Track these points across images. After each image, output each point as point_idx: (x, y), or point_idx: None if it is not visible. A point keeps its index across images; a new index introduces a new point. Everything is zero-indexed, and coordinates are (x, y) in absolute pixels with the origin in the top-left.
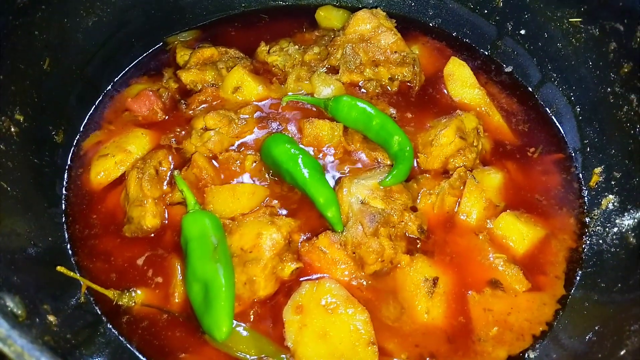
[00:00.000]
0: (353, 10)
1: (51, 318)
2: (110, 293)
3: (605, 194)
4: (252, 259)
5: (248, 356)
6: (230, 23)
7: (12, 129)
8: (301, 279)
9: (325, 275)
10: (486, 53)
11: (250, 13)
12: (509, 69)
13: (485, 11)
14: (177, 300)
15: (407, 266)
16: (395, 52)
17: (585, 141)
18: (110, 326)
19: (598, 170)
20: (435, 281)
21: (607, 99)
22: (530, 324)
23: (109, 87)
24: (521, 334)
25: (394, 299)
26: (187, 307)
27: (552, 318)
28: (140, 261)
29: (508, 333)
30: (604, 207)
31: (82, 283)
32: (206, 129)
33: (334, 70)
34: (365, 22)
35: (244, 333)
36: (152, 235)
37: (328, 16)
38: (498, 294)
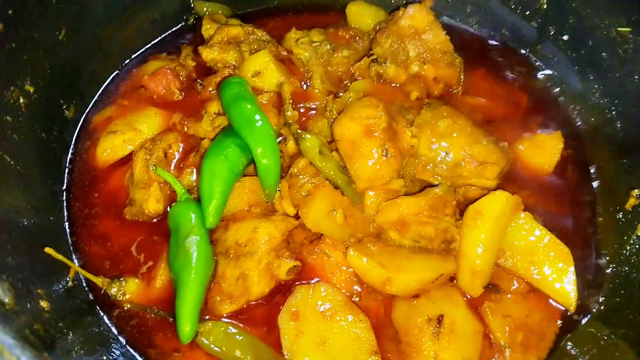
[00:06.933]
0: (385, 8)
1: (44, 304)
2: (99, 281)
3: None
4: (246, 252)
5: None
6: (265, 13)
7: (21, 100)
8: (297, 283)
9: (322, 279)
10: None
11: (288, 6)
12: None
13: (527, 12)
14: (158, 286)
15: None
16: (446, 52)
17: (624, 160)
18: (104, 316)
19: (636, 192)
20: (440, 320)
21: None
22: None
23: (126, 61)
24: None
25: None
26: (169, 295)
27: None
28: (137, 246)
29: (532, 336)
30: (638, 234)
31: (71, 267)
32: (219, 114)
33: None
34: (420, 16)
35: (239, 337)
36: (155, 220)
37: (360, 12)
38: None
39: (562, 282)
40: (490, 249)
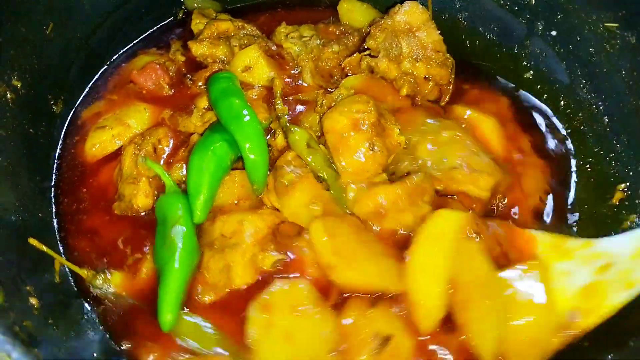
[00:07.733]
0: (376, 5)
1: (33, 300)
2: (84, 272)
3: (627, 212)
4: (231, 244)
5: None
6: (255, 8)
7: (8, 96)
8: (276, 276)
9: (300, 275)
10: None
11: (278, 1)
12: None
13: (516, 8)
14: (143, 277)
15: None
16: (439, 51)
17: (611, 155)
18: (90, 309)
19: (622, 187)
20: (386, 340)
21: (639, 112)
22: None
23: (115, 56)
24: None
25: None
26: (154, 286)
27: None
28: (125, 241)
29: None
30: (625, 227)
31: (57, 260)
32: (209, 109)
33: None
34: (415, 13)
35: (210, 332)
36: (143, 214)
37: (351, 8)
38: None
39: None
40: (441, 279)
